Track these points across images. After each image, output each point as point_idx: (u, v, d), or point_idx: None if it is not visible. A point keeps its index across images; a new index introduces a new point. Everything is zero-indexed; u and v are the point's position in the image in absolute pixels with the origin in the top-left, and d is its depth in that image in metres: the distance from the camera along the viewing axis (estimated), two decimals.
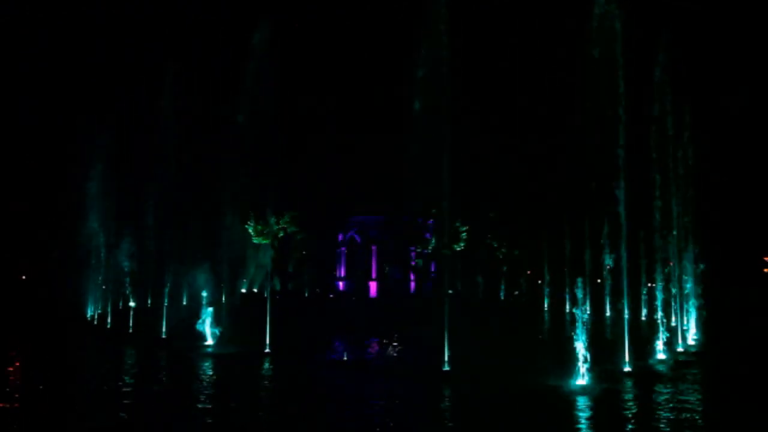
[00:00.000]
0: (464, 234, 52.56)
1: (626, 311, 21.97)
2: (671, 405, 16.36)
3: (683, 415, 15.19)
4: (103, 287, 40.43)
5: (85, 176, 40.30)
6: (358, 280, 54.69)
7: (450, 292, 21.68)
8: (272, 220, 54.75)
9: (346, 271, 57.60)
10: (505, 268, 60.58)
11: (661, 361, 23.15)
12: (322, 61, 74.92)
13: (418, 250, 52.24)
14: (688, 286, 31.45)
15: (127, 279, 37.34)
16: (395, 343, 29.13)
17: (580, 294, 19.70)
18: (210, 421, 14.72)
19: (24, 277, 76.84)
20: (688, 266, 31.77)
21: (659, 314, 25.85)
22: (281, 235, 55.68)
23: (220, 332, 26.79)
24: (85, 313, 39.86)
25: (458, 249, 51.77)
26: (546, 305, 54.56)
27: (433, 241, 50.89)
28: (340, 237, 57.46)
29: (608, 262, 21.50)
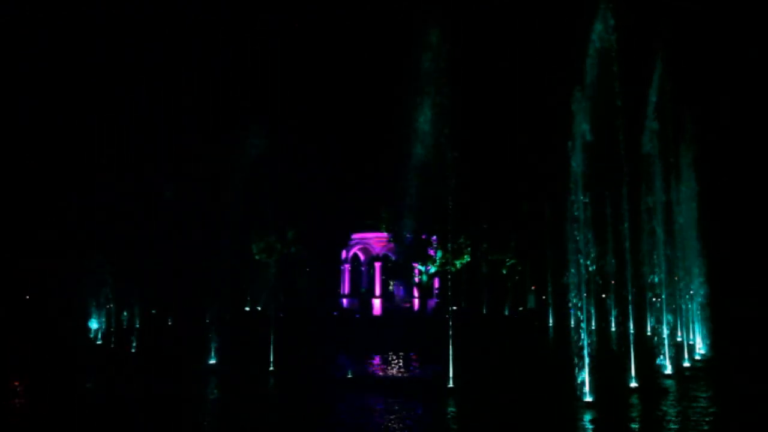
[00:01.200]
0: (468, 249, 52.43)
1: (631, 326, 21.88)
2: (677, 421, 16.21)
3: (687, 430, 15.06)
4: (108, 307, 40.39)
5: (87, 195, 40.49)
6: (361, 298, 54.49)
7: (454, 308, 21.61)
8: (273, 239, 54.82)
9: (350, 289, 57.42)
10: (509, 284, 60.36)
11: (668, 376, 22.97)
12: (324, 72, 75.20)
13: (422, 267, 52.09)
14: (694, 299, 31.31)
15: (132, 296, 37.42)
16: (399, 360, 28.99)
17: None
18: None
19: (28, 297, 76.83)
20: (694, 279, 31.64)
21: (665, 328, 25.72)
22: (284, 252, 55.63)
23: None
24: (88, 333, 39.79)
25: (460, 265, 51.59)
26: (551, 320, 54.29)
27: (438, 257, 50.77)
28: (343, 254, 57.35)
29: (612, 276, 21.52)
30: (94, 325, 39.83)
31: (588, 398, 17.69)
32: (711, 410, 17.71)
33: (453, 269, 46.16)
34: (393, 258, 53.45)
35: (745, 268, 64.21)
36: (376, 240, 54.24)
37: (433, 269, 51.92)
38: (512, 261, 59.69)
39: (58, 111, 72.18)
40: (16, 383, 22.72)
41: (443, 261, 49.64)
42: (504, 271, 59.91)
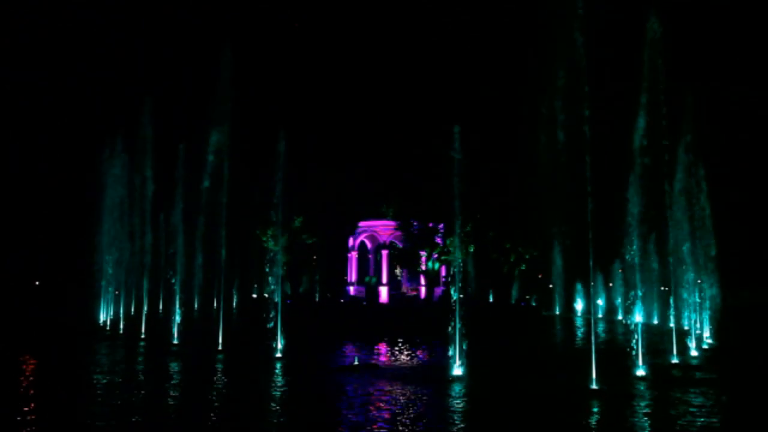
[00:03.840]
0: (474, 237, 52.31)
1: (639, 315, 21.84)
2: (683, 408, 16.19)
3: (695, 418, 15.04)
4: (116, 293, 40.62)
5: (98, 181, 40.48)
6: (368, 285, 54.60)
7: (461, 296, 21.61)
8: (273, 229, 54.89)
9: (357, 276, 57.56)
10: (516, 272, 60.29)
11: (675, 365, 22.95)
12: (330, 63, 75.03)
13: (427, 256, 52.07)
14: (702, 289, 31.21)
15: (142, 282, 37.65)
16: (406, 348, 29.08)
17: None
18: (214, 426, 14.76)
19: (37, 283, 77.58)
20: (702, 270, 31.51)
21: (672, 318, 25.66)
22: (292, 239, 55.80)
23: None
24: (97, 319, 40.08)
25: (464, 253, 51.50)
26: (558, 309, 54.30)
27: (450, 244, 50.70)
28: (350, 242, 57.43)
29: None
30: (102, 311, 40.14)
31: (594, 386, 17.69)
32: (715, 398, 17.68)
33: (459, 257, 46.06)
34: (400, 246, 53.46)
35: (754, 258, 63.90)
36: (383, 227, 54.26)
37: (437, 264, 51.93)
38: (520, 250, 59.51)
39: (59, 109, 72.77)
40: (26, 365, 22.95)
41: (451, 249, 49.59)
42: (511, 259, 59.78)
